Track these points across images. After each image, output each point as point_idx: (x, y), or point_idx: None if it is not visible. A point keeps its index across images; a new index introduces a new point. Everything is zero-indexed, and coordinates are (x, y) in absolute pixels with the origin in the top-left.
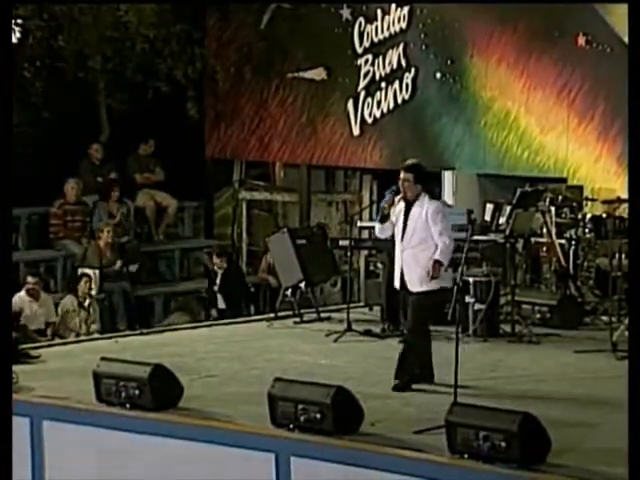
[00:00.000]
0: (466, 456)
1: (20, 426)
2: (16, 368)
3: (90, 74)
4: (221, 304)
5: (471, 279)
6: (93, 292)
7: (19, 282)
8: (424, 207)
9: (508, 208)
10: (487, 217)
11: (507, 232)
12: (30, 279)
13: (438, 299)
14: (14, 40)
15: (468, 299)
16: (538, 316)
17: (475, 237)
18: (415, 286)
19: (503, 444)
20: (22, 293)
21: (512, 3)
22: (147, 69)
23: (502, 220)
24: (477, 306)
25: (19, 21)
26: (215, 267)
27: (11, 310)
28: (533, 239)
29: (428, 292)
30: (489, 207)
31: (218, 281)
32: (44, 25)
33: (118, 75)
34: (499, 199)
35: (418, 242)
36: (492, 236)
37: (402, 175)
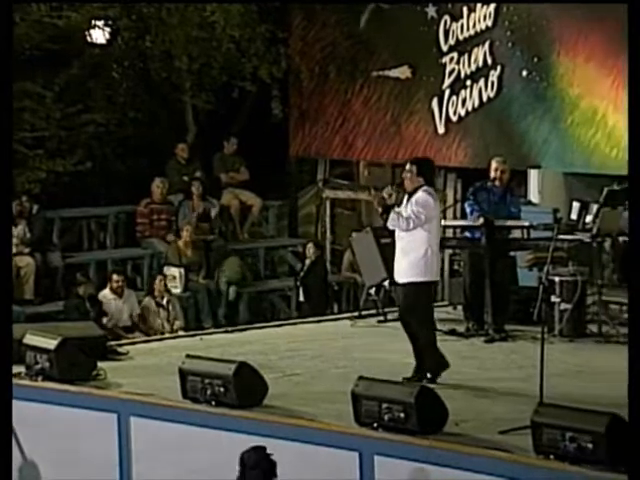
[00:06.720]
0: (552, 457)
1: (108, 421)
2: (104, 364)
3: (176, 74)
4: (301, 297)
5: (557, 278)
6: (175, 290)
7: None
8: (414, 198)
9: (595, 207)
10: (573, 216)
11: (594, 231)
12: (115, 277)
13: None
14: (103, 41)
15: (554, 299)
16: (626, 316)
17: (561, 236)
18: (400, 277)
19: (590, 445)
20: (106, 291)
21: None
22: (232, 69)
23: (589, 219)
24: (563, 306)
25: (109, 22)
26: (306, 257)
27: (12, 310)
28: (621, 238)
29: (412, 283)
30: (575, 206)
31: (302, 273)
32: (132, 26)
33: (204, 75)
34: (586, 197)
35: (405, 233)
36: (579, 235)
37: (407, 167)
